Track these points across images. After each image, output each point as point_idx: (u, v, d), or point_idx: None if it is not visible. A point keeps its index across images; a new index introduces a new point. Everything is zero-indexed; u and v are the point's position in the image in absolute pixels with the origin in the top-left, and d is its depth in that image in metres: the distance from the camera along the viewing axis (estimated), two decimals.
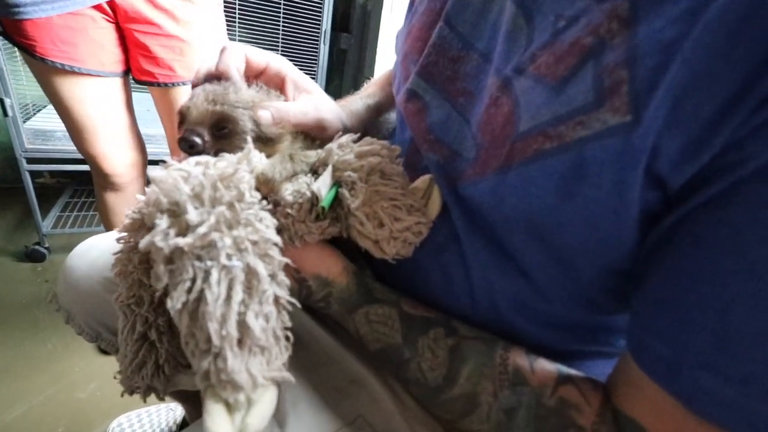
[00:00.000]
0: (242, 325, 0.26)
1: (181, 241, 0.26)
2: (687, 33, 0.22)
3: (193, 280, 0.26)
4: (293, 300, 0.30)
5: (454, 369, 0.33)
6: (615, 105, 0.24)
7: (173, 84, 0.87)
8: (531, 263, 0.31)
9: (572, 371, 0.32)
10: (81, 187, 1.75)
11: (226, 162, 0.31)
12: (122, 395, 0.38)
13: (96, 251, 0.53)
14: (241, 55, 0.40)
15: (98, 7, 0.77)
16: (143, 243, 0.28)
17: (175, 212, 0.28)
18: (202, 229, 0.27)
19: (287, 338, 0.30)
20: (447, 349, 0.34)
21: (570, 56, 0.26)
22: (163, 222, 0.28)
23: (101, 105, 0.86)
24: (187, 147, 0.35)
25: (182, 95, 0.89)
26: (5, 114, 1.19)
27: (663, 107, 0.22)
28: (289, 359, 0.40)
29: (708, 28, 0.21)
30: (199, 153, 0.35)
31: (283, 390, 0.36)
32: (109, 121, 0.88)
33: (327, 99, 0.45)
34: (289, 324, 0.30)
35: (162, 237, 0.27)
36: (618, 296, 0.30)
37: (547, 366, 0.32)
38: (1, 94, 1.17)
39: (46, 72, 0.79)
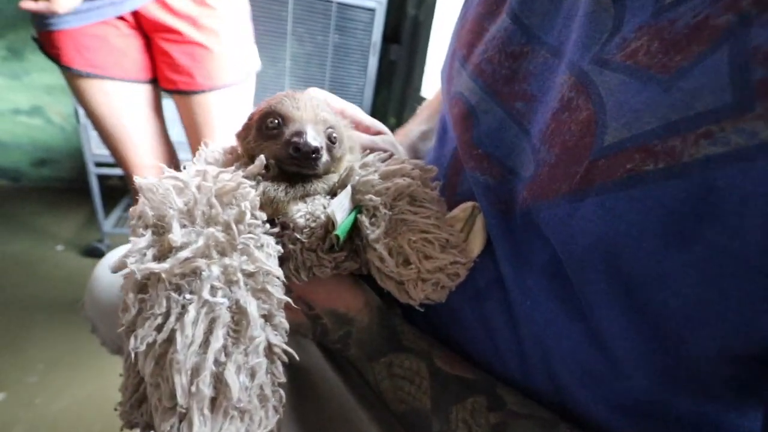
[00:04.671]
0: (219, 381, 0.21)
1: (156, 267, 0.22)
2: None
3: (166, 317, 0.22)
4: (291, 351, 0.24)
5: None
6: None
7: (193, 92, 0.88)
8: (609, 326, 0.23)
9: None
10: None
11: (229, 174, 0.27)
12: (121, 430, 0.35)
13: None
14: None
15: (121, 17, 0.80)
16: (114, 263, 0.24)
17: (160, 229, 0.24)
18: (184, 253, 0.22)
19: (280, 398, 0.24)
20: (489, 428, 0.26)
21: (689, 40, 0.19)
22: (142, 240, 0.23)
23: (126, 111, 0.88)
24: (309, 153, 0.28)
25: (202, 104, 0.89)
26: (78, 121, 1.29)
27: None
28: (295, 410, 0.35)
29: None
30: (315, 162, 0.28)
31: None
32: (136, 127, 0.91)
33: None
34: (282, 379, 0.24)
35: (136, 258, 0.23)
36: (739, 386, 0.21)
37: None
38: (75, 104, 1.27)
39: (74, 80, 0.83)
